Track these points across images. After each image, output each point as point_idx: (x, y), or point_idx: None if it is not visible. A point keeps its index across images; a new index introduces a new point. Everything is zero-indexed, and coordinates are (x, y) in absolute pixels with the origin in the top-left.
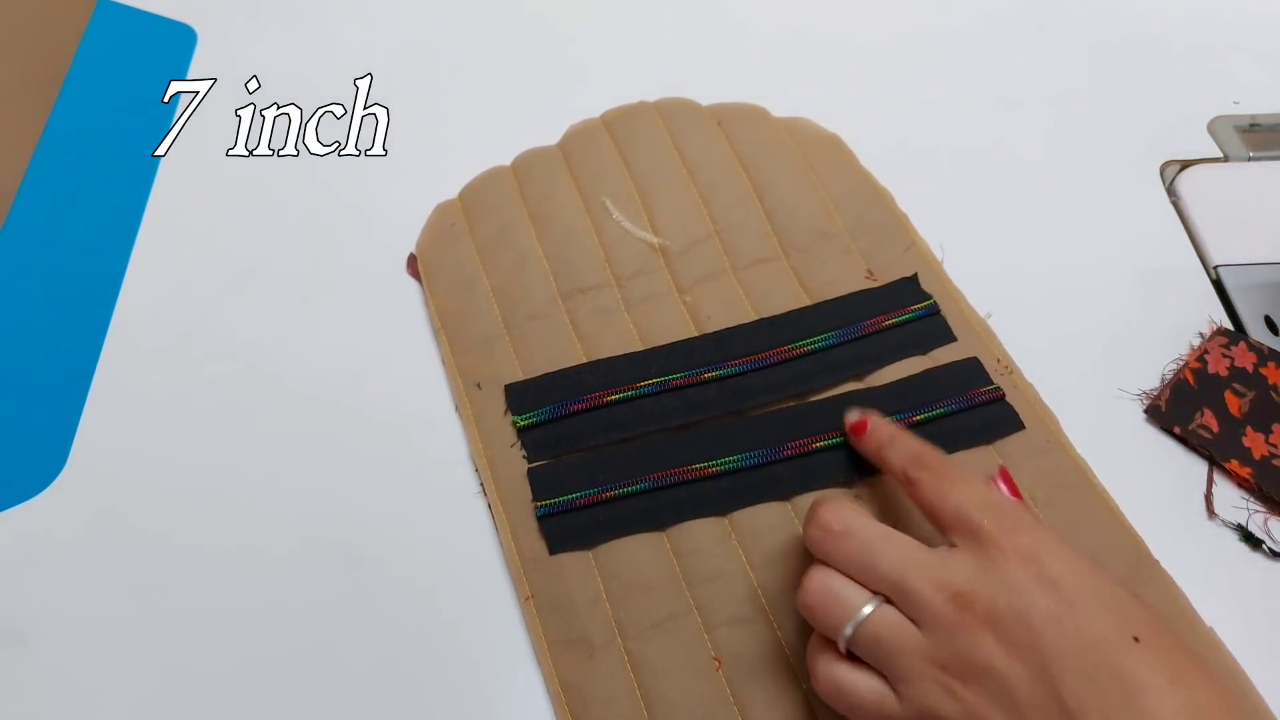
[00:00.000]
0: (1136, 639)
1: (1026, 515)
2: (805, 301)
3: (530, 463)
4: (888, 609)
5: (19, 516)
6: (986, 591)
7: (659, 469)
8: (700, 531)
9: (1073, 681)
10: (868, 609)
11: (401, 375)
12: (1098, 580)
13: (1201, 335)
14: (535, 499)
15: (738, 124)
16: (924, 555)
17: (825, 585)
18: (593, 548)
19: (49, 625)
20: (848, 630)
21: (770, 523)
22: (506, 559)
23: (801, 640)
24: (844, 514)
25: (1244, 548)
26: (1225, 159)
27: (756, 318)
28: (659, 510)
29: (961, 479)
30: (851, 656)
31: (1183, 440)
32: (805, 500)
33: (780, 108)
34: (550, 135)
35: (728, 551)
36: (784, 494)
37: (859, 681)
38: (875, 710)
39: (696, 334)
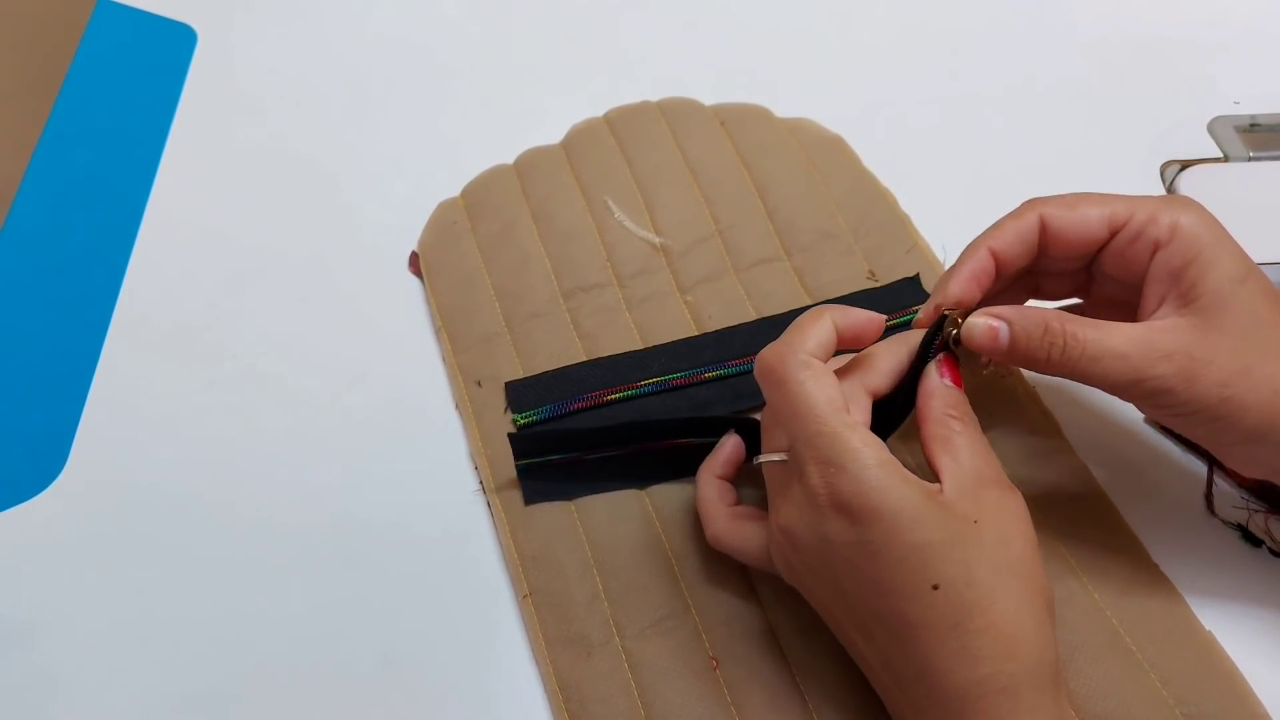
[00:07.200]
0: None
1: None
2: (807, 302)
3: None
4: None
5: (19, 516)
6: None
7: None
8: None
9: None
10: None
11: (402, 373)
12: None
13: None
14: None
15: (741, 124)
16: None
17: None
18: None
19: (49, 625)
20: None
21: None
22: (505, 557)
23: (800, 640)
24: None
25: (1244, 547)
26: (1225, 159)
27: (758, 318)
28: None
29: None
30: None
31: (1182, 440)
32: None
33: (783, 108)
34: (553, 134)
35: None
36: None
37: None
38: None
39: (698, 334)
